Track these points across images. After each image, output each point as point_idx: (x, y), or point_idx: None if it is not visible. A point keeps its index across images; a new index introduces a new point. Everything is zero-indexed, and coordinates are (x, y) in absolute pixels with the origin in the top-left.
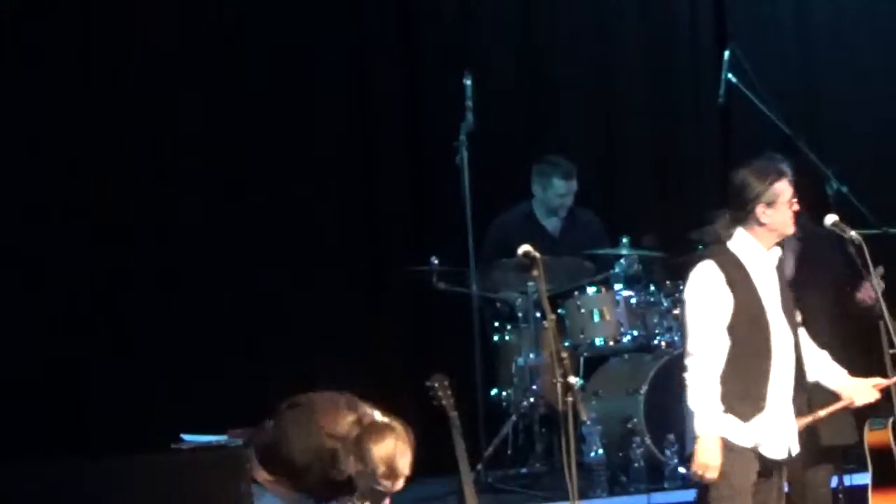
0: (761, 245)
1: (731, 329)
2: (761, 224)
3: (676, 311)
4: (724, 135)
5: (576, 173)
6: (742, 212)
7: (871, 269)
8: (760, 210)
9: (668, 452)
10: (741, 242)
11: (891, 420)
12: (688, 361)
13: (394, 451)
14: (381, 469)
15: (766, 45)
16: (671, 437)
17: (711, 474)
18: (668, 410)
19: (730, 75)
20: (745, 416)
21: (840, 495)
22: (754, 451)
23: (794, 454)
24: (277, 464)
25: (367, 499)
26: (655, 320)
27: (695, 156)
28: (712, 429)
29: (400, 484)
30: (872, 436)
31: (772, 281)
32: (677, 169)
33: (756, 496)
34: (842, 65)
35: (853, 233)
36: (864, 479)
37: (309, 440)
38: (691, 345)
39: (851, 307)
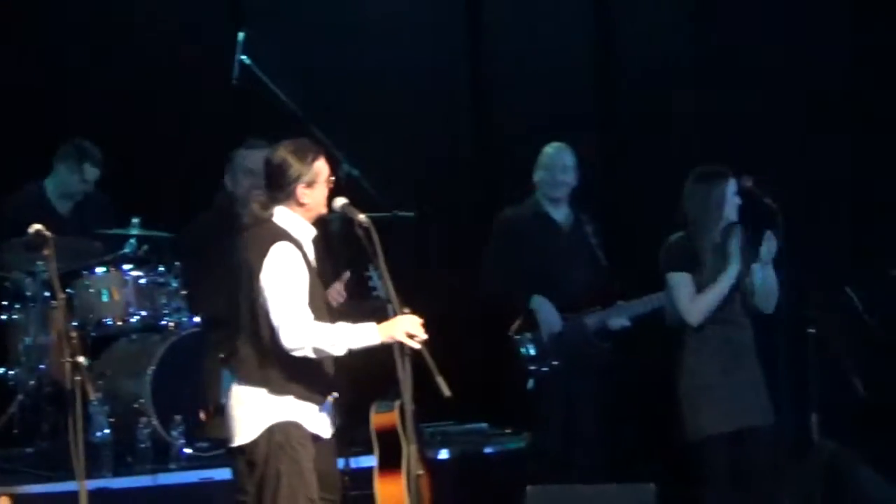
0: (303, 221)
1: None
2: (301, 204)
3: (185, 292)
4: (239, 115)
5: None
6: (282, 192)
7: (379, 252)
8: (301, 190)
9: (174, 433)
10: (285, 220)
11: (397, 403)
12: (294, 334)
13: None
14: None
15: (283, 28)
16: (178, 417)
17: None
18: (175, 391)
19: (244, 57)
20: (320, 400)
21: (346, 478)
22: (314, 435)
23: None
24: None
25: None
26: (164, 301)
27: (208, 135)
28: (371, 330)
29: None
30: (378, 418)
31: (314, 259)
32: (193, 149)
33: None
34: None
35: (362, 216)
36: (370, 461)
37: None
38: (295, 320)
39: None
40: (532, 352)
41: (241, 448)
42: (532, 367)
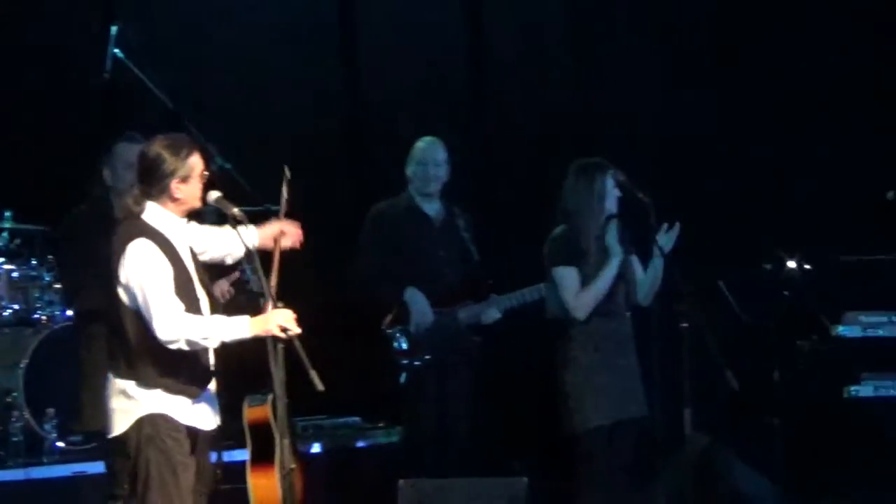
0: (175, 217)
1: None
2: (174, 199)
3: (58, 285)
4: (108, 109)
5: None
6: (155, 187)
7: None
8: (175, 185)
9: (47, 427)
10: (156, 216)
11: (270, 397)
12: (167, 326)
13: None
14: None
15: (152, 23)
16: (51, 411)
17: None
18: (48, 385)
19: (117, 51)
20: (195, 392)
21: (218, 471)
22: (190, 427)
23: (217, 424)
24: None
25: None
26: (37, 294)
27: (81, 127)
28: (244, 323)
29: None
30: (251, 412)
31: (188, 253)
32: (65, 142)
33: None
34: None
35: (236, 209)
36: (243, 455)
37: None
38: (167, 313)
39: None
40: (404, 346)
41: (115, 440)
42: (404, 361)
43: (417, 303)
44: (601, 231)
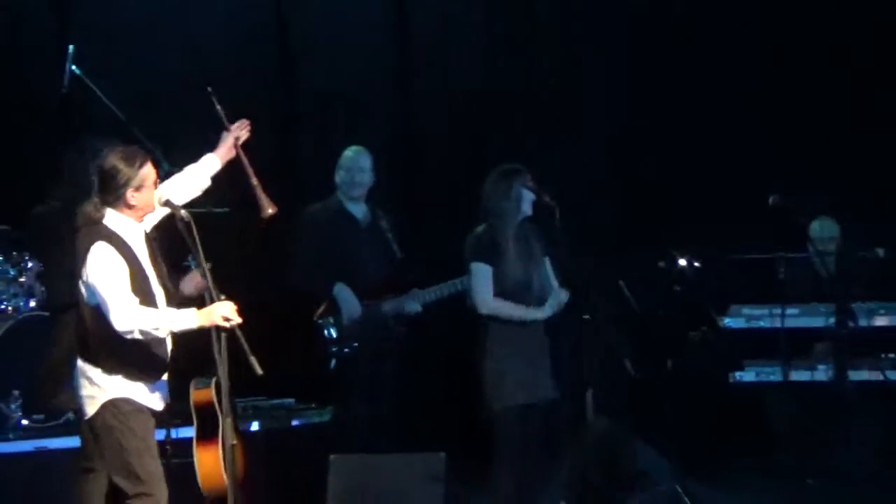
0: (133, 221)
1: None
2: (130, 206)
3: (22, 279)
4: (66, 119)
5: None
6: (112, 195)
7: (199, 246)
8: (130, 194)
9: (12, 406)
10: (115, 222)
11: (213, 380)
12: (122, 318)
13: None
14: None
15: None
16: (16, 392)
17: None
18: (13, 369)
19: (74, 67)
20: (153, 378)
21: (167, 447)
22: (151, 410)
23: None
24: None
25: None
26: (2, 287)
27: (39, 137)
28: (191, 315)
29: None
30: (197, 394)
31: (145, 254)
32: (25, 149)
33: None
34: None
35: (184, 211)
36: (190, 432)
37: None
38: (122, 307)
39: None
40: (334, 334)
41: (86, 421)
42: (334, 349)
43: (346, 297)
44: (518, 231)
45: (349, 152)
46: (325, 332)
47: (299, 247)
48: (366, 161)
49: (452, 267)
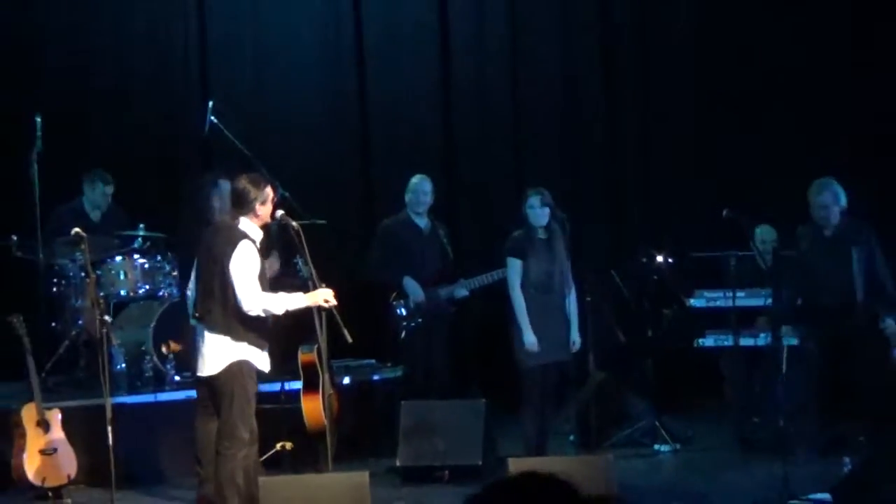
0: (257, 228)
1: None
2: (257, 216)
3: (175, 273)
4: (206, 157)
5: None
6: (244, 208)
7: (305, 248)
8: (258, 207)
9: (168, 366)
10: (246, 227)
11: (315, 346)
12: (250, 300)
13: None
14: None
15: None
16: (171, 355)
17: (329, 296)
18: (167, 339)
19: (213, 118)
20: (264, 346)
21: (282, 396)
22: (259, 372)
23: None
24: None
25: None
26: (160, 279)
27: (190, 164)
28: (300, 297)
29: None
30: (303, 356)
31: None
32: (172, 179)
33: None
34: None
35: (295, 223)
36: (298, 385)
37: None
38: (251, 292)
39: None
40: (404, 312)
41: (209, 377)
42: (404, 323)
43: (411, 286)
44: (545, 235)
45: (415, 179)
46: (398, 310)
47: (377, 249)
48: (427, 186)
49: (493, 262)
